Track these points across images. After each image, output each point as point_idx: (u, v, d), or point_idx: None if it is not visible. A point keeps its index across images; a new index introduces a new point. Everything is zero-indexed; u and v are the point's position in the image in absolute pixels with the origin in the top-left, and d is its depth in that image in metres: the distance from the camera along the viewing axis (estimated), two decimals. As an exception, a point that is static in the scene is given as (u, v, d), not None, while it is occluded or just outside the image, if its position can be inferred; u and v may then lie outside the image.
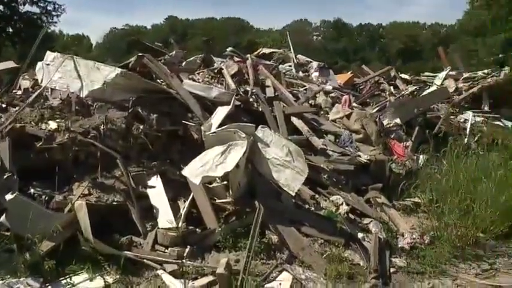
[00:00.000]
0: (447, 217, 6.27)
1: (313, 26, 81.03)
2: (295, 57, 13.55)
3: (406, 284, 5.21)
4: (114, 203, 5.67)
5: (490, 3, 42.14)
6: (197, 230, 5.62)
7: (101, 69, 7.02)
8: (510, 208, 6.59)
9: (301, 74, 12.55)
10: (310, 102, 9.77)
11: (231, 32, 70.23)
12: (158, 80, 7.92)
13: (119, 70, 7.00)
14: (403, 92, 11.79)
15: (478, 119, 10.63)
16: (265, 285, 4.92)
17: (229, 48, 11.19)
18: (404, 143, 8.78)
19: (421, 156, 8.31)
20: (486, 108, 11.50)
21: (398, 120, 9.17)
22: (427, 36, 72.90)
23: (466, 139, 9.27)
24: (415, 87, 12.49)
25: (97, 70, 7.02)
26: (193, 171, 5.77)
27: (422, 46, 67.66)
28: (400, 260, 5.70)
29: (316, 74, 12.57)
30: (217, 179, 6.07)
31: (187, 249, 5.24)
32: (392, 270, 5.47)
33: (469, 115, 10.62)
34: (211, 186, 6.15)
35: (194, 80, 8.71)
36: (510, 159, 8.16)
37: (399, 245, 5.97)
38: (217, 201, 6.01)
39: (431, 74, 14.67)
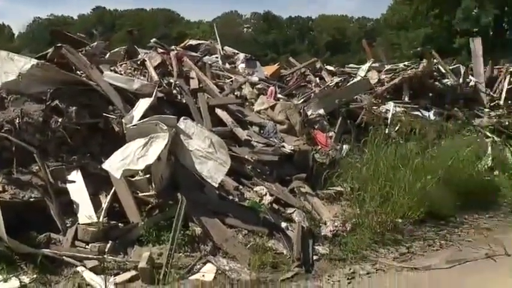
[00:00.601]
0: (368, 204, 6.48)
1: (244, 18, 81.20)
2: (222, 49, 13.47)
3: (328, 271, 5.32)
4: (31, 199, 5.46)
5: (412, -1, 43.91)
6: (119, 224, 5.50)
7: (15, 60, 6.69)
8: (426, 194, 6.89)
9: (227, 65, 12.50)
10: (235, 93, 9.74)
11: (161, 23, 69.09)
12: (78, 72, 7.64)
13: (34, 61, 6.70)
14: (328, 84, 11.99)
15: (398, 109, 10.97)
16: (189, 278, 4.89)
17: (153, 40, 10.93)
18: (328, 133, 8.96)
19: (344, 146, 8.49)
20: (406, 99, 11.89)
21: (322, 111, 9.32)
22: (354, 29, 74.84)
23: (387, 129, 9.54)
24: (340, 78, 12.72)
25: (11, 61, 6.68)
26: (114, 164, 5.64)
27: (350, 39, 69.34)
28: (323, 248, 5.83)
29: (243, 65, 12.54)
30: (139, 172, 5.95)
31: (108, 244, 5.13)
32: (315, 257, 5.58)
33: (390, 105, 10.95)
34: (133, 179, 6.02)
35: (116, 72, 8.48)
36: (427, 148, 8.51)
37: (322, 233, 6.09)
38: (139, 194, 5.90)
39: (356, 66, 14.99)
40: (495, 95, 13.37)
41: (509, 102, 13.17)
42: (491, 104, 12.92)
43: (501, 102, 13.03)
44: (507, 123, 11.63)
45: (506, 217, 7.82)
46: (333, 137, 8.91)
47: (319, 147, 8.32)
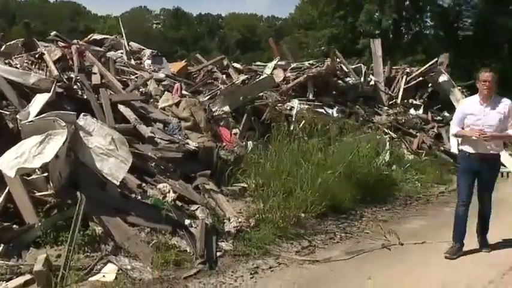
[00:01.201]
0: (271, 200, 6.54)
1: (153, 14, 79.80)
2: (128, 44, 13.13)
3: (231, 266, 5.31)
4: None
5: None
6: (14, 226, 5.18)
7: None
8: (328, 189, 7.09)
9: (133, 61, 12.20)
10: (140, 90, 9.52)
11: (66, 16, 66.28)
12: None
13: None
14: (234, 81, 12.04)
15: (303, 106, 11.23)
16: (89, 279, 4.69)
17: (53, 33, 10.47)
18: (233, 130, 8.98)
19: (248, 143, 8.55)
20: (311, 97, 12.21)
21: (227, 108, 9.33)
22: (264, 28, 75.91)
23: (291, 125, 9.73)
24: (246, 76, 12.80)
25: None
26: (8, 163, 5.27)
27: (260, 37, 70.22)
28: (227, 244, 5.80)
29: (149, 61, 12.31)
30: (37, 170, 5.64)
31: (0, 248, 4.81)
32: (218, 254, 5.54)
33: (295, 103, 11.18)
34: (29, 178, 5.69)
35: (11, 65, 8.02)
36: (329, 144, 8.78)
37: (226, 230, 6.07)
38: (36, 194, 5.58)
39: (262, 64, 15.20)
40: (393, 94, 14.09)
41: (405, 101, 13.95)
42: (390, 103, 13.59)
43: (398, 101, 13.75)
44: (403, 120, 12.29)
45: (401, 209, 8.25)
46: (237, 134, 8.94)
47: (224, 144, 8.31)
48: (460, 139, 6.07)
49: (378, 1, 40.54)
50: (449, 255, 5.73)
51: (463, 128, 5.82)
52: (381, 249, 6.11)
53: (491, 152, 5.73)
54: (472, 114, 5.70)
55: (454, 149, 10.34)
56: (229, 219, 6.26)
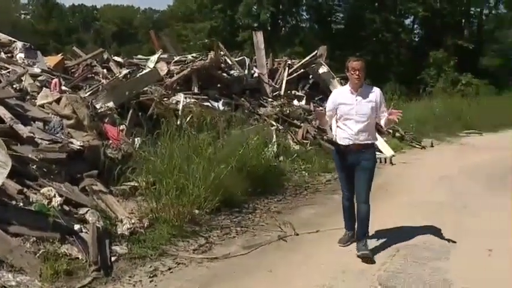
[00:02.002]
0: (164, 198, 6.36)
1: (21, 3, 74.44)
2: (-5, 37, 12.11)
3: (128, 271, 5.07)
4: None
5: (196, -8, 45.00)
6: None
7: None
8: (220, 183, 7.03)
9: (3, 55, 11.27)
10: (14, 86, 8.80)
11: None
12: None
13: None
14: (117, 75, 11.57)
15: (189, 100, 11.06)
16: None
17: None
18: (119, 126, 8.61)
19: (136, 139, 8.24)
20: (196, 90, 12.06)
21: (111, 104, 8.93)
22: (141, 20, 74.17)
23: (179, 120, 9.55)
24: (129, 70, 12.37)
25: None
26: None
27: (137, 29, 68.55)
28: (121, 247, 5.53)
29: (22, 55, 11.43)
30: None
31: None
32: (113, 259, 5.26)
33: (180, 97, 10.97)
34: None
35: None
36: (218, 138, 8.73)
37: (119, 232, 5.79)
38: None
39: (144, 57, 14.80)
40: (276, 86, 14.36)
41: (289, 92, 14.29)
42: (274, 94, 13.84)
43: (282, 93, 14.05)
44: (288, 111, 12.57)
45: (292, 199, 8.42)
46: (124, 131, 8.58)
47: (111, 141, 7.93)
48: (333, 130, 5.94)
49: (257, -6, 41.28)
50: (342, 243, 5.95)
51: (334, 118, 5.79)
52: (278, 241, 6.18)
53: (365, 142, 5.57)
54: (344, 103, 5.58)
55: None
56: (121, 221, 5.98)
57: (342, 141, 5.61)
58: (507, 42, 43.10)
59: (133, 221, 5.95)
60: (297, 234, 6.37)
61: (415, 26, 46.34)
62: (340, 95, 5.72)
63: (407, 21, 45.73)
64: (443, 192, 9.09)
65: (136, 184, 6.98)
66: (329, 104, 5.80)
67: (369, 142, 5.63)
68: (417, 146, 14.88)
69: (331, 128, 6.30)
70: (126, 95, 9.39)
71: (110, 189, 6.79)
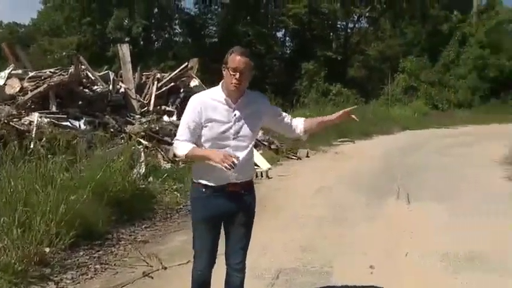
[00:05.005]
0: (4, 239, 5.34)
1: None
2: None
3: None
4: None
5: (62, 5, 42.69)
6: None
7: None
8: (75, 214, 6.11)
9: None
10: None
11: None
12: None
13: None
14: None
15: (45, 120, 9.90)
16: None
17: None
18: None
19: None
20: (54, 109, 10.88)
21: None
22: (4, 35, 69.12)
23: (31, 143, 8.44)
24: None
25: None
26: None
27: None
28: None
29: None
30: None
31: None
32: None
33: (34, 116, 9.78)
34: None
35: None
36: (77, 161, 7.79)
37: None
38: None
39: (-7, 74, 13.23)
40: (145, 101, 13.51)
41: (158, 107, 13.50)
42: (142, 110, 12.98)
43: (151, 108, 13.23)
44: (157, 128, 11.78)
45: (162, 225, 7.66)
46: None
47: None
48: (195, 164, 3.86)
49: (127, 8, 40.18)
50: None
51: (197, 144, 3.63)
52: (143, 278, 5.40)
53: (246, 180, 3.75)
54: (216, 120, 3.59)
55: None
56: None
57: (211, 180, 3.65)
58: (371, 55, 45.86)
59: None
60: (165, 268, 5.63)
61: (287, 38, 47.69)
62: (209, 106, 3.61)
63: (280, 34, 47.00)
64: (323, 204, 8.89)
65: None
66: (189, 121, 3.63)
67: (250, 179, 3.85)
68: (293, 157, 14.77)
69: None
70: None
71: None
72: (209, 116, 3.59)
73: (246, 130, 3.64)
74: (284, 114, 3.95)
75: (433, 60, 38.92)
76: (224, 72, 3.60)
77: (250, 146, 3.72)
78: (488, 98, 36.37)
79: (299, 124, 3.95)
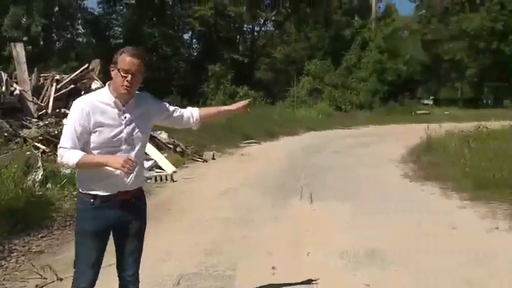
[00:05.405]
0: None
1: None
2: None
3: None
4: None
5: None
6: None
7: None
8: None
9: None
10: None
11: None
12: None
13: None
14: None
15: None
16: None
17: None
18: None
19: None
20: None
21: None
22: None
23: None
24: None
25: None
26: None
27: None
28: None
29: None
30: None
31: None
32: None
33: None
34: None
35: None
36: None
37: None
38: None
39: None
40: (43, 104, 12.85)
41: (58, 110, 12.88)
42: (40, 113, 12.33)
43: (49, 111, 12.61)
44: (56, 132, 11.22)
45: (60, 233, 7.25)
46: None
47: None
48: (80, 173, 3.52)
49: (25, 5, 38.14)
50: None
51: (85, 151, 3.30)
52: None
53: (137, 187, 3.53)
54: (105, 124, 3.34)
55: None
56: None
57: (101, 189, 3.37)
58: (277, 57, 46.83)
59: None
60: (61, 279, 5.30)
61: (194, 40, 47.59)
62: (98, 109, 3.34)
63: (186, 36, 46.78)
64: (229, 206, 8.86)
65: None
66: (74, 124, 3.31)
67: (141, 186, 3.62)
68: (199, 159, 14.67)
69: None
70: None
71: None
72: (98, 120, 3.31)
73: (137, 133, 3.42)
74: (173, 108, 3.75)
75: (336, 63, 40.48)
76: (113, 73, 3.34)
77: (142, 150, 3.53)
78: (387, 100, 38.55)
79: (194, 113, 3.81)
